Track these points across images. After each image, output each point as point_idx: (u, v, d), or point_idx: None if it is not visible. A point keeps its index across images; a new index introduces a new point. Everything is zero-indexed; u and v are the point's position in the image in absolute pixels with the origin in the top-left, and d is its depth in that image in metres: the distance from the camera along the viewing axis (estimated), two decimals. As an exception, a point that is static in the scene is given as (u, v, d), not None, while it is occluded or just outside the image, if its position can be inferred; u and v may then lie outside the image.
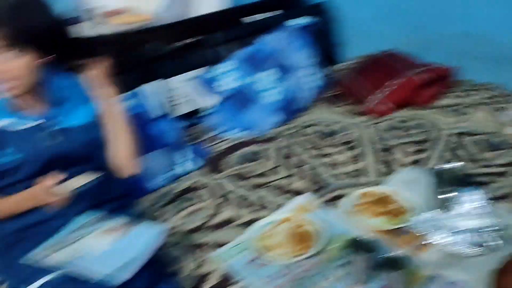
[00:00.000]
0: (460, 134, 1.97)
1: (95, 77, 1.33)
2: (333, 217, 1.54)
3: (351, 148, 1.97)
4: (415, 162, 1.82)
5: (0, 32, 1.13)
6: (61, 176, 1.25)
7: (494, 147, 1.87)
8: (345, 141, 2.03)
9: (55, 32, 1.24)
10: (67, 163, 1.34)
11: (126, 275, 1.19)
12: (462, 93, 2.34)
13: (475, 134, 1.96)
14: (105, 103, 1.37)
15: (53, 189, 1.24)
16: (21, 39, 1.15)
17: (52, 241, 1.32)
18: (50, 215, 1.35)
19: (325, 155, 1.94)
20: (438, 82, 2.33)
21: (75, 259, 1.24)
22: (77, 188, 1.30)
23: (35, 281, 1.23)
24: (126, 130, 1.42)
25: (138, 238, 1.32)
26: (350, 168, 1.84)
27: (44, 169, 1.31)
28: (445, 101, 2.28)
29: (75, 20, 2.07)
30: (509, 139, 1.91)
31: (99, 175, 1.37)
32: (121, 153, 1.42)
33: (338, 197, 1.66)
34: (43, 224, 1.37)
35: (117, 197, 1.51)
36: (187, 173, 1.88)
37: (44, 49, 1.21)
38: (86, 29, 2.06)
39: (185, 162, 1.86)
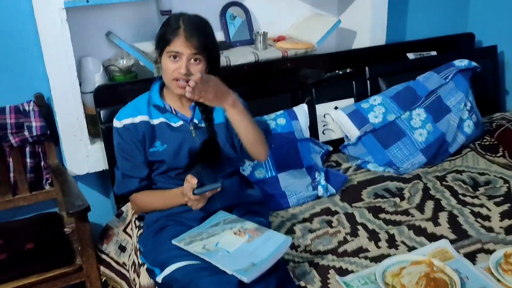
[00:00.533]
0: None
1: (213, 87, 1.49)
2: (472, 270, 1.43)
3: (500, 204, 1.80)
4: None
5: (193, 42, 1.48)
6: (195, 180, 1.42)
7: None
8: (495, 195, 1.87)
9: (216, 49, 1.58)
10: (207, 159, 1.55)
11: (254, 274, 1.27)
12: None
13: None
14: (229, 109, 1.53)
15: (191, 193, 1.41)
16: (203, 50, 1.50)
17: (192, 232, 1.48)
18: (190, 217, 1.55)
19: (469, 204, 1.81)
20: None
21: (210, 252, 1.37)
22: (211, 191, 1.43)
23: (172, 265, 1.38)
24: (253, 128, 1.56)
25: (266, 244, 1.40)
26: (497, 223, 1.68)
27: (188, 163, 1.57)
28: None
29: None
30: None
31: (232, 178, 1.55)
32: (251, 145, 1.58)
33: (480, 250, 1.54)
34: (185, 214, 1.56)
35: (249, 203, 1.64)
36: (322, 197, 1.91)
37: (209, 62, 1.54)
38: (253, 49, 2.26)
39: (322, 186, 1.90)
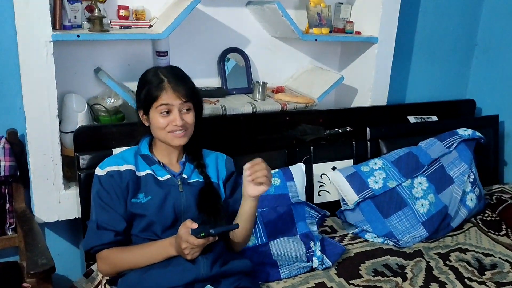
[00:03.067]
0: None
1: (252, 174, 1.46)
2: None
3: (510, 292, 1.66)
4: None
5: (182, 91, 1.46)
6: (196, 225, 1.32)
7: None
8: (503, 281, 1.72)
9: (199, 95, 1.56)
10: (191, 215, 1.46)
11: None
12: None
13: None
14: (248, 201, 1.49)
15: (192, 237, 1.30)
16: (190, 97, 1.48)
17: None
18: (173, 284, 1.38)
19: (476, 291, 1.66)
20: None
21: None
22: (213, 233, 1.31)
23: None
24: (251, 225, 1.54)
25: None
26: (510, 317, 1.53)
27: (172, 221, 1.47)
28: None
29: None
30: None
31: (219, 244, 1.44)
32: (242, 238, 1.56)
33: None
34: (167, 278, 1.38)
35: (237, 274, 1.46)
36: (317, 269, 1.73)
37: (195, 109, 1.52)
38: (250, 99, 2.13)
39: (317, 257, 1.72)
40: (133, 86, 1.99)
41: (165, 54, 2.01)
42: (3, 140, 1.76)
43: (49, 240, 1.92)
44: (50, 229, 1.97)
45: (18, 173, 1.77)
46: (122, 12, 1.91)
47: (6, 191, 1.82)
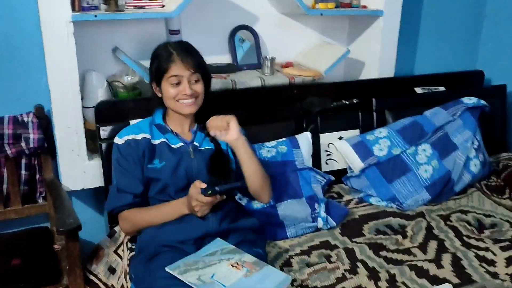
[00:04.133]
0: None
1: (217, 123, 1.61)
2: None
3: (507, 249, 1.73)
4: None
5: (190, 62, 1.58)
6: (204, 184, 1.46)
7: None
8: (500, 239, 1.81)
9: (207, 67, 1.67)
10: (202, 179, 1.54)
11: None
12: None
13: None
14: (235, 149, 1.63)
15: (201, 196, 1.43)
16: (198, 68, 1.60)
17: (187, 260, 1.42)
18: (185, 238, 1.49)
19: (474, 247, 1.74)
20: None
21: (206, 284, 1.31)
22: (222, 191, 1.44)
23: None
24: (254, 164, 1.64)
25: (264, 281, 1.34)
26: (503, 269, 1.62)
27: (184, 184, 1.59)
28: None
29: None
30: None
31: (229, 204, 1.54)
32: (252, 182, 1.65)
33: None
34: (180, 244, 1.50)
35: (245, 229, 1.59)
36: (322, 229, 1.85)
37: (204, 79, 1.63)
38: (260, 74, 2.24)
39: (322, 218, 1.84)
40: (148, 64, 2.14)
41: (177, 32, 2.13)
42: (31, 115, 1.92)
43: (75, 208, 2.08)
44: (76, 198, 2.13)
45: (46, 145, 1.94)
46: (136, -6, 2.03)
47: (35, 163, 1.99)
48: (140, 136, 1.64)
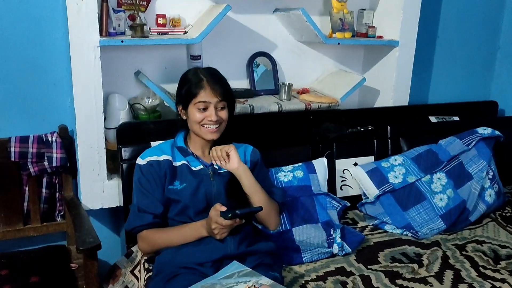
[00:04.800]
0: None
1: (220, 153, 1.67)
2: None
3: (524, 280, 1.73)
4: None
5: (218, 90, 1.64)
6: (224, 208, 1.49)
7: None
8: (517, 270, 1.80)
9: (233, 94, 1.74)
10: (221, 202, 1.57)
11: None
12: None
13: None
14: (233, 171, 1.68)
15: (221, 218, 1.47)
16: (226, 96, 1.66)
17: (205, 283, 1.43)
18: (203, 260, 1.52)
19: (490, 278, 1.73)
20: None
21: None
22: (242, 214, 1.47)
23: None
24: (258, 193, 1.68)
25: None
26: (521, 302, 1.61)
27: (204, 206, 1.63)
28: None
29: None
30: None
31: (246, 227, 1.56)
32: (261, 214, 1.67)
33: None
34: (198, 266, 1.52)
35: (262, 253, 1.61)
36: (338, 255, 1.86)
37: (230, 109, 1.69)
38: (277, 100, 2.29)
39: (338, 243, 1.84)
40: (170, 87, 2.21)
41: (198, 57, 2.19)
42: (55, 134, 1.97)
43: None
44: (94, 217, 2.16)
45: (68, 164, 1.98)
46: (160, 20, 2.10)
47: (56, 181, 2.03)
48: (162, 158, 1.68)
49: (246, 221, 1.59)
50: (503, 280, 1.72)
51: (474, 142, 2.31)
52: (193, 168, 1.69)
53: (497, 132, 2.38)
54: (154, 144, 1.91)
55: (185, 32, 2.12)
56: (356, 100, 2.71)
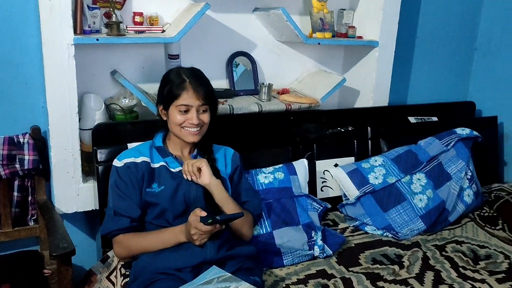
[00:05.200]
0: None
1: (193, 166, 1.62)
2: None
3: (502, 281, 1.74)
4: None
5: (201, 93, 1.60)
6: (204, 213, 1.44)
7: None
8: (496, 270, 1.81)
9: (216, 97, 1.69)
10: (200, 206, 1.55)
11: None
12: None
13: None
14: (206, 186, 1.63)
15: (201, 224, 1.42)
16: (208, 99, 1.62)
17: (182, 289, 1.39)
18: (182, 265, 1.48)
19: (470, 279, 1.74)
20: None
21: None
22: (222, 220, 1.43)
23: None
24: (231, 206, 1.63)
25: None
26: (501, 303, 1.62)
27: (182, 210, 1.58)
28: None
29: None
30: None
31: (240, 214, 1.53)
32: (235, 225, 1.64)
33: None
34: (177, 271, 1.48)
35: (243, 256, 1.58)
36: (318, 257, 1.84)
37: (212, 112, 1.65)
38: (256, 100, 2.25)
39: (319, 246, 1.83)
40: (147, 87, 2.15)
41: (176, 57, 2.14)
42: (27, 136, 1.90)
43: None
44: (68, 221, 2.09)
45: (41, 167, 1.91)
46: (137, 18, 2.04)
47: (28, 184, 1.96)
48: (139, 160, 1.63)
49: (226, 226, 1.55)
50: (482, 281, 1.73)
51: (453, 143, 2.32)
52: (172, 170, 1.65)
53: (475, 133, 2.40)
54: (131, 145, 1.85)
55: (163, 31, 2.07)
56: (336, 101, 2.70)
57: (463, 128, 2.40)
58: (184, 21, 1.97)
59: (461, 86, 3.00)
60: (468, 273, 1.79)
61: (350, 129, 2.38)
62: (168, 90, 1.60)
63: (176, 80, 1.60)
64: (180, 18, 2.09)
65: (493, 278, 1.75)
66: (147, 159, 1.64)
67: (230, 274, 1.46)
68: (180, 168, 1.65)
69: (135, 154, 1.65)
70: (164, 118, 1.66)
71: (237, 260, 1.56)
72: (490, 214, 2.29)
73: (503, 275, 1.77)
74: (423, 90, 2.90)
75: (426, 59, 2.84)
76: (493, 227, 2.18)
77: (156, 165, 1.64)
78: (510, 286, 1.70)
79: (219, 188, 1.63)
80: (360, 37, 2.52)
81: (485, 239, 2.07)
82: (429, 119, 2.67)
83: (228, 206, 1.63)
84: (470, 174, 2.28)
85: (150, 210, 1.61)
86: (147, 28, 2.04)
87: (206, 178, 1.61)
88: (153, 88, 2.00)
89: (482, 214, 2.29)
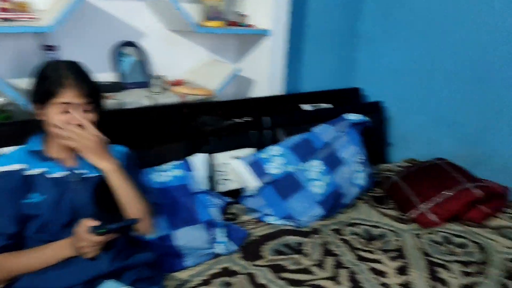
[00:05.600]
0: (517, 262, 1.83)
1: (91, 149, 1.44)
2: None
3: (396, 258, 1.84)
4: (467, 286, 1.67)
5: (83, 89, 1.40)
6: (94, 222, 1.31)
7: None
8: (388, 249, 1.91)
9: (101, 94, 1.50)
10: (89, 212, 1.42)
11: None
12: (517, 216, 2.22)
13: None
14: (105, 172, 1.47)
15: (91, 234, 1.29)
16: (93, 97, 1.44)
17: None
18: (72, 283, 1.34)
19: (367, 260, 1.82)
20: (491, 200, 2.23)
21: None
22: (116, 228, 1.31)
23: None
24: (132, 195, 1.50)
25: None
26: (396, 280, 1.70)
27: (69, 219, 1.42)
28: (498, 222, 2.15)
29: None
30: None
31: (135, 220, 1.40)
32: (131, 214, 1.49)
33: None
34: (64, 278, 1.35)
35: (140, 266, 1.47)
36: (221, 255, 1.79)
37: (97, 109, 1.47)
38: (149, 93, 2.12)
39: (221, 243, 1.78)
40: (21, 83, 1.90)
41: (54, 48, 1.92)
42: None
43: None
44: None
45: None
46: (3, 4, 1.79)
47: None
48: (13, 167, 1.43)
49: (121, 233, 1.42)
50: (378, 261, 1.81)
51: (345, 128, 2.41)
52: (54, 175, 1.46)
53: (365, 118, 2.51)
54: (3, 150, 1.63)
55: (36, 19, 1.84)
56: (232, 91, 2.66)
57: (353, 114, 2.50)
58: (61, 8, 1.77)
59: (349, 73, 3.13)
60: (365, 254, 1.86)
61: (247, 120, 2.35)
62: (44, 87, 1.40)
63: (54, 75, 1.40)
64: (56, 5, 1.87)
65: (386, 257, 1.84)
66: (23, 166, 1.44)
67: (128, 287, 1.35)
68: (64, 173, 1.47)
69: (8, 161, 1.44)
70: (41, 118, 1.46)
71: (135, 270, 1.44)
72: (382, 195, 2.42)
73: (396, 253, 1.88)
74: (316, 78, 2.98)
75: (318, 47, 2.92)
76: (384, 207, 2.30)
77: (35, 172, 1.45)
78: (402, 263, 1.80)
79: (117, 174, 1.47)
80: (253, 25, 2.49)
81: (378, 219, 2.18)
82: (323, 107, 2.74)
83: (130, 190, 1.48)
84: (362, 158, 2.39)
85: (31, 223, 1.42)
86: (16, 16, 1.80)
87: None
88: (29, 84, 1.76)
89: (374, 195, 2.41)
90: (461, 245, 1.95)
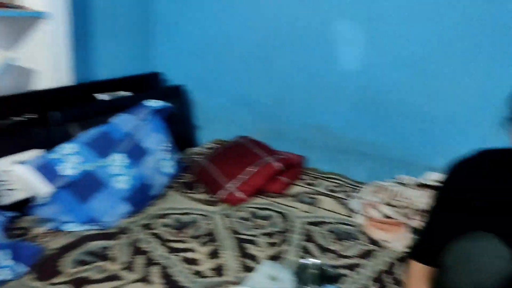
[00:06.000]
0: (313, 223, 2.00)
1: None
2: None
3: (207, 242, 1.83)
4: (274, 256, 1.75)
5: None
6: None
7: (344, 236, 1.91)
8: (201, 234, 1.89)
9: None
10: None
11: None
12: (312, 181, 2.43)
13: (327, 223, 2.00)
14: None
15: None
16: None
17: None
18: None
19: (178, 250, 1.76)
20: (290, 170, 2.40)
21: None
22: None
23: None
24: None
25: None
26: (208, 265, 1.68)
27: None
28: (296, 190, 2.33)
29: None
30: (358, 228, 1.98)
31: None
32: None
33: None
34: None
35: None
36: (10, 281, 1.51)
37: None
38: None
39: (5, 267, 1.49)
40: None
41: None
42: None
43: None
44: None
45: None
46: None
47: None
48: None
49: None
50: (188, 249, 1.77)
51: (147, 116, 2.28)
52: None
53: (166, 104, 2.42)
54: None
55: None
56: (7, 84, 2.27)
57: (155, 100, 2.39)
58: None
59: (147, 57, 3.00)
60: (176, 245, 1.80)
61: (30, 117, 2.04)
62: None
63: None
64: None
65: (198, 242, 1.81)
66: None
67: None
68: None
69: None
70: None
71: None
72: (190, 180, 2.38)
73: (208, 237, 1.86)
74: (112, 64, 2.75)
75: (110, 31, 2.69)
76: (195, 192, 2.28)
77: None
78: (214, 246, 1.79)
79: None
80: (24, 7, 2.14)
81: (189, 205, 2.14)
82: (121, 94, 2.56)
83: None
84: (167, 145, 2.30)
85: None
86: None
87: None
88: None
89: (183, 181, 2.36)
90: (266, 218, 2.04)
